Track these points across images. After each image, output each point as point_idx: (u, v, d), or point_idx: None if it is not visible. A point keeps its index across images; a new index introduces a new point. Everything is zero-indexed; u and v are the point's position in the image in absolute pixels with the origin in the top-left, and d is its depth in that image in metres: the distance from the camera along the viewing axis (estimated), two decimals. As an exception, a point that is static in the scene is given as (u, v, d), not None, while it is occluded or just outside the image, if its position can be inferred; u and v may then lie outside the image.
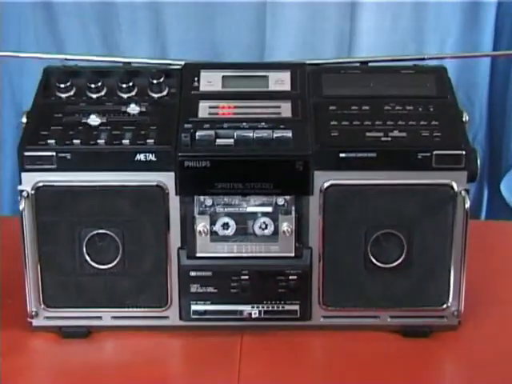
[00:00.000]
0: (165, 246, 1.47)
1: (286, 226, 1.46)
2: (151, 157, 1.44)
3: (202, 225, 1.46)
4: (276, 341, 1.51)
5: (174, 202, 1.45)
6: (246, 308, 1.50)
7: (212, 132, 1.44)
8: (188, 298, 1.50)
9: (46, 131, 1.46)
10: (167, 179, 1.45)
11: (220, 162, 1.43)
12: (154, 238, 1.47)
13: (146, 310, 1.51)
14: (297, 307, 1.50)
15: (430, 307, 1.50)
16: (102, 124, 1.47)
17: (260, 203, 1.47)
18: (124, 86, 1.52)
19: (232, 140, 1.43)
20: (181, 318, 1.51)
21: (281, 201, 1.46)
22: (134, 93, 1.53)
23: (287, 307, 1.50)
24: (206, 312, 1.50)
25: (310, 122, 1.47)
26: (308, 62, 1.59)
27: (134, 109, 1.50)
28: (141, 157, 1.44)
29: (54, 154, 1.44)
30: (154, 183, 1.45)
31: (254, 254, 1.48)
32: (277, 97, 1.52)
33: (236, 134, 1.43)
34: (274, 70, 1.57)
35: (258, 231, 1.47)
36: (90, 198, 1.45)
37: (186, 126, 1.46)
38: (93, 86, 1.52)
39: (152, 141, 1.44)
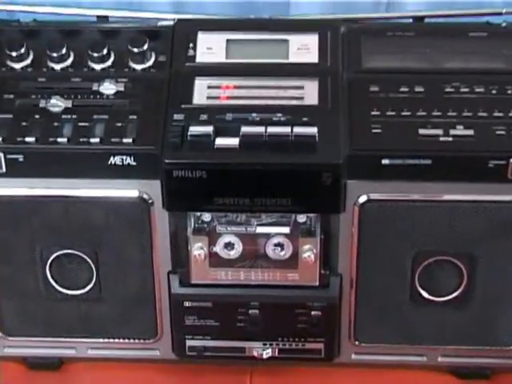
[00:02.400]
0: (150, 269, 1.14)
1: (308, 249, 1.11)
2: (129, 160, 1.08)
3: (197, 246, 1.12)
4: (294, 382, 1.21)
5: (162, 216, 1.10)
6: (256, 345, 1.18)
7: (210, 128, 1.06)
8: (182, 332, 1.17)
9: (-11, 121, 1.10)
10: (151, 188, 1.09)
11: (220, 172, 1.06)
12: (135, 260, 1.13)
13: (131, 341, 1.20)
14: (321, 345, 1.17)
15: (494, 346, 1.17)
16: (65, 111, 1.10)
17: (274, 221, 1.11)
18: (96, 54, 1.14)
19: (236, 140, 1.06)
20: (174, 352, 1.20)
21: (302, 218, 1.11)
22: (109, 62, 1.15)
23: (309, 345, 1.17)
24: (205, 349, 1.18)
25: (343, 112, 1.09)
26: (342, 17, 1.19)
27: (108, 87, 1.12)
28: (116, 160, 1.08)
29: (2, 155, 1.09)
30: (134, 194, 1.10)
31: (267, 282, 1.15)
32: (299, 72, 1.13)
33: (242, 130, 1.06)
34: (297, 32, 1.16)
35: (271, 254, 1.12)
36: (50, 211, 1.11)
37: (175, 116, 1.09)
38: (55, 53, 1.15)
39: (130, 139, 1.07)
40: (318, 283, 1.14)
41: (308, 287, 1.14)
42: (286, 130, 1.05)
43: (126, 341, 1.19)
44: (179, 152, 1.06)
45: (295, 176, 1.06)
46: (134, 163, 1.08)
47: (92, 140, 1.07)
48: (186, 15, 1.20)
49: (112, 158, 1.08)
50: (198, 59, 1.14)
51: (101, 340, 1.19)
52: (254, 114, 1.09)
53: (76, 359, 1.22)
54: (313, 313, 1.14)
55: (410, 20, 1.20)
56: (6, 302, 1.18)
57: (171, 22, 1.18)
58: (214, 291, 1.15)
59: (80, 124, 1.09)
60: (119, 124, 1.09)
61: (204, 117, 1.09)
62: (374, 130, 1.08)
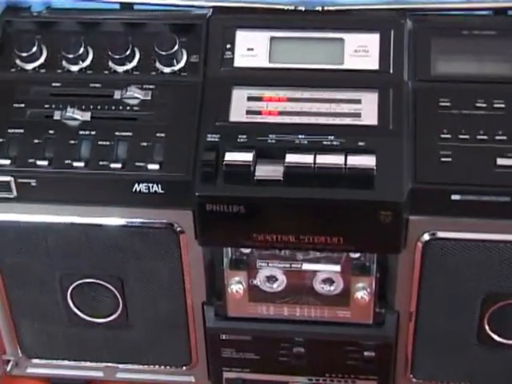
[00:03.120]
0: (183, 298, 1.01)
1: (362, 288, 0.97)
2: (156, 188, 0.94)
3: (235, 281, 0.98)
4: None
5: (194, 246, 0.96)
6: (300, 380, 1.06)
7: (249, 155, 0.90)
8: (218, 364, 1.06)
9: (-2, 138, 0.96)
10: (182, 217, 0.95)
11: (261, 208, 0.91)
12: (165, 289, 1.01)
13: (162, 368, 1.09)
14: (374, 383, 1.05)
15: None
16: (83, 125, 0.95)
17: (323, 256, 0.97)
18: (118, 55, 0.98)
19: (280, 169, 0.90)
20: (210, 382, 1.09)
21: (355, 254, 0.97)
22: (134, 63, 0.99)
23: (359, 382, 1.05)
24: (243, 381, 1.07)
25: (407, 134, 0.92)
26: (409, 6, 0.99)
27: (132, 96, 0.96)
28: (141, 187, 0.94)
29: (12, 179, 0.95)
30: (162, 223, 0.96)
31: (314, 319, 1.01)
32: (356, 82, 0.95)
33: (288, 159, 0.89)
34: (354, 30, 0.97)
35: (319, 289, 0.99)
36: (67, 238, 0.98)
37: (209, 137, 0.93)
38: (71, 54, 0.98)
39: (157, 166, 0.93)
40: (371, 321, 1.00)
41: (361, 325, 1.01)
42: (339, 159, 0.89)
43: (157, 367, 1.09)
44: (213, 184, 0.90)
45: (349, 213, 0.90)
46: (162, 191, 0.94)
47: (113, 165, 0.93)
48: (223, 3, 1.01)
49: (136, 186, 0.94)
50: (237, 63, 0.97)
51: (130, 366, 1.09)
52: (301, 136, 0.92)
53: (103, 380, 1.12)
54: (366, 353, 1.01)
55: (491, 13, 1.00)
56: (25, 323, 1.07)
57: (206, 11, 1.00)
58: (253, 325, 1.02)
59: (100, 143, 0.94)
60: (144, 144, 0.94)
61: (243, 138, 0.93)
62: (443, 159, 0.91)
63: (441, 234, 0.93)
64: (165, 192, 0.94)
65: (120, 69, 0.98)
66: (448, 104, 0.94)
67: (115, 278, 1.00)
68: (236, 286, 0.98)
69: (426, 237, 0.93)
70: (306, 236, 0.92)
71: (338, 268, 0.96)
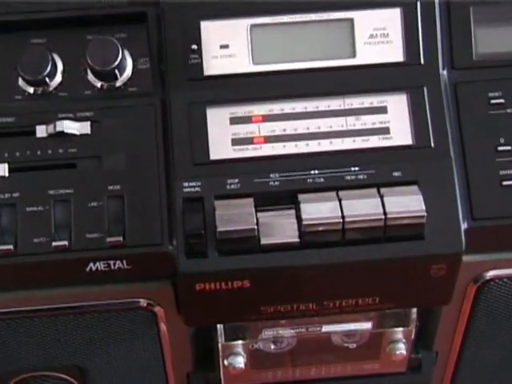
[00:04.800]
0: (163, 373, 0.77)
1: (398, 341, 0.75)
2: (120, 265, 0.67)
3: (232, 352, 0.75)
4: None
5: (174, 320, 0.72)
6: None
7: (247, 211, 0.64)
8: None
9: None
10: (158, 292, 0.69)
11: (271, 280, 0.66)
12: (142, 372, 0.76)
13: None
14: (405, 426, 0.86)
15: None
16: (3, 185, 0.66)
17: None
18: (31, 71, 0.67)
19: (294, 226, 0.64)
20: None
21: (389, 305, 0.74)
22: (57, 79, 0.68)
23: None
24: None
25: (455, 151, 0.68)
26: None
27: (64, 129, 0.67)
28: (99, 266, 0.67)
29: None
30: (132, 301, 0.70)
31: (333, 375, 0.79)
32: (376, 81, 0.68)
33: (304, 210, 0.64)
34: (366, 6, 0.69)
35: (339, 342, 0.76)
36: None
37: (186, 188, 0.66)
38: None
39: (118, 237, 0.65)
40: (406, 369, 0.80)
41: (393, 373, 0.80)
42: (374, 207, 0.64)
43: None
44: (203, 256, 0.65)
45: (391, 272, 0.67)
46: (128, 267, 0.67)
47: (55, 243, 0.65)
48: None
49: (92, 265, 0.67)
50: (208, 69, 0.68)
51: None
52: (314, 173, 0.67)
53: None
54: (399, 402, 0.82)
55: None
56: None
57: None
58: (256, 390, 0.80)
59: (28, 209, 0.66)
60: (94, 204, 0.66)
61: (234, 184, 0.66)
62: (505, 182, 0.68)
63: (498, 273, 0.72)
64: (132, 267, 0.68)
65: (38, 90, 0.68)
66: (501, 100, 0.69)
67: (74, 368, 0.75)
68: (234, 359, 0.75)
69: (481, 277, 0.72)
70: (331, 301, 0.69)
71: (369, 325, 0.74)
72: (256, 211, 0.65)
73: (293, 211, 0.65)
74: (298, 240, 0.65)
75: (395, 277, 0.67)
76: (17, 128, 0.68)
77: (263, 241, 0.65)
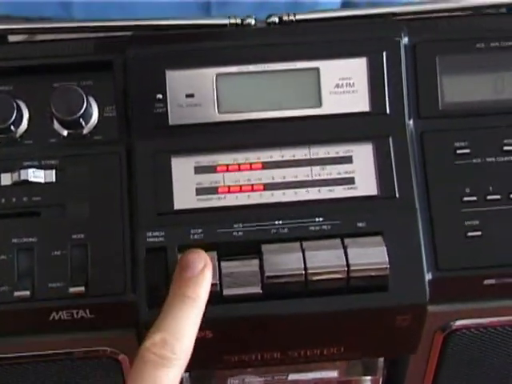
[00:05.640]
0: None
1: (364, 389, 0.75)
2: (83, 314, 0.67)
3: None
4: None
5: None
6: None
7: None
8: None
9: None
10: (122, 340, 0.69)
11: (233, 329, 0.66)
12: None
13: None
14: None
15: None
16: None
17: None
18: (9, 114, 0.67)
19: (256, 278, 0.65)
20: None
21: (356, 354, 0.74)
22: (23, 127, 0.69)
23: None
24: None
25: (421, 201, 0.68)
26: (398, 10, 0.71)
27: (29, 177, 0.67)
28: (61, 315, 0.67)
29: None
30: (95, 350, 0.69)
31: (301, 422, 0.79)
32: (342, 131, 0.68)
33: (266, 263, 0.64)
34: (333, 55, 0.69)
35: (306, 389, 0.76)
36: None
37: (150, 237, 0.66)
38: None
39: (80, 287, 0.65)
40: (375, 418, 0.80)
41: (360, 421, 0.80)
42: (337, 258, 0.64)
43: None
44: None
45: (354, 323, 0.67)
46: (91, 316, 0.67)
47: (17, 293, 0.65)
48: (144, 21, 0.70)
49: (54, 314, 0.67)
50: (173, 119, 0.68)
51: None
52: (278, 223, 0.67)
53: None
54: None
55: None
56: None
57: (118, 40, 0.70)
58: None
59: (-7, 259, 0.66)
60: (57, 252, 0.66)
61: (197, 234, 0.66)
62: (470, 233, 0.67)
63: (465, 323, 0.72)
64: (95, 316, 0.67)
65: (3, 137, 0.68)
66: (467, 150, 0.69)
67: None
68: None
69: (448, 327, 0.71)
70: (295, 351, 0.69)
71: (335, 374, 0.74)
72: (219, 261, 0.66)
73: (257, 261, 0.65)
74: (260, 291, 0.65)
75: (359, 327, 0.67)
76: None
77: (226, 292, 0.64)
